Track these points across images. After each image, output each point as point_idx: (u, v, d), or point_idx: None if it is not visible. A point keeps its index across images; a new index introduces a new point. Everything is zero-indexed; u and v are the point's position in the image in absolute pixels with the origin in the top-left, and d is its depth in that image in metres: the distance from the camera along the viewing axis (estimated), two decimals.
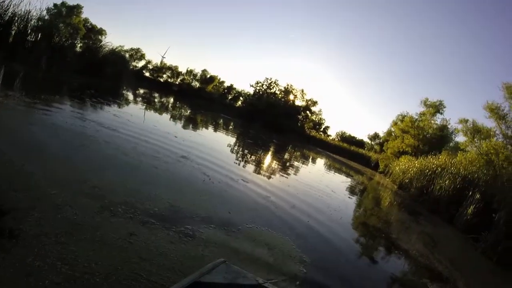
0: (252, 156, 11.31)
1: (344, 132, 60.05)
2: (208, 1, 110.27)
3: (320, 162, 21.74)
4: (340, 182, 13.08)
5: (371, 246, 5.49)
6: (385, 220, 8.10)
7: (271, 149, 16.83)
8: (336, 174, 16.75)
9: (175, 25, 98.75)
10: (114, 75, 19.74)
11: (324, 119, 54.53)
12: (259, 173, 8.20)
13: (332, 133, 59.73)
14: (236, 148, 12.04)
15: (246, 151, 12.16)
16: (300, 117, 44.01)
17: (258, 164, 9.98)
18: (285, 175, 9.34)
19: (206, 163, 6.49)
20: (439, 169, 13.86)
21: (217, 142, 11.48)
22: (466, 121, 17.36)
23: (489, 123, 14.92)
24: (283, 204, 5.72)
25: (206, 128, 15.57)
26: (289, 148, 22.76)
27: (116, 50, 21.75)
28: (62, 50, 15.01)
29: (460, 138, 20.07)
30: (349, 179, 15.96)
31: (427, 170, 14.93)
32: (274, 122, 35.66)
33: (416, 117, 27.52)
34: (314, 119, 49.04)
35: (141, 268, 2.25)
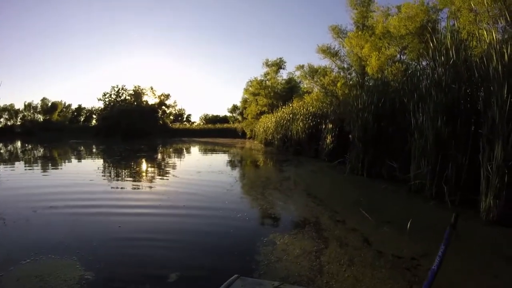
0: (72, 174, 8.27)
1: (207, 114, 59.93)
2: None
3: (183, 151, 19.79)
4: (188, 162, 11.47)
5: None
6: (253, 177, 7.10)
7: (112, 157, 13.74)
8: (201, 155, 15.18)
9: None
10: None
11: (184, 109, 54.85)
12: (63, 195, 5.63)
13: (196, 119, 59.47)
14: (54, 174, 8.70)
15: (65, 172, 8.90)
16: (158, 114, 41.37)
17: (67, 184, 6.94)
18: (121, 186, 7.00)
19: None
20: (291, 116, 13.98)
21: (34, 174, 7.93)
22: (302, 66, 18.36)
23: (325, 63, 15.88)
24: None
25: (35, 164, 10.99)
26: (142, 149, 19.50)
27: None
28: None
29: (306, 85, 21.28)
30: (215, 156, 14.64)
31: (282, 120, 15.02)
32: (133, 128, 32.52)
33: (262, 78, 28.63)
34: (173, 112, 47.18)
35: None
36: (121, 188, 5.86)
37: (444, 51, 4.79)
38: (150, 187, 6.02)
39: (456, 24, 7.34)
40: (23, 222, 3.52)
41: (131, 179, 7.10)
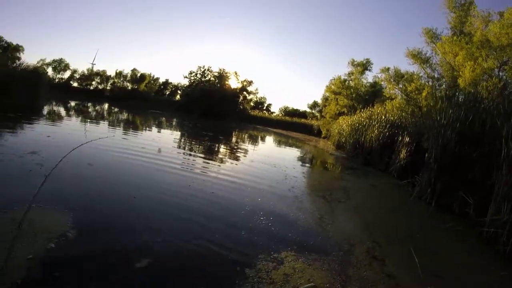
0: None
1: (287, 107, 60.34)
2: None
3: (256, 141, 20.16)
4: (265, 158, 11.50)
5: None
6: (306, 178, 6.88)
7: (177, 131, 14.72)
8: (280, 147, 15.28)
9: (102, 27, 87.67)
10: (28, 92, 15.25)
11: (265, 98, 56.78)
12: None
13: (276, 109, 60.54)
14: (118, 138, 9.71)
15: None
16: (239, 99, 42.65)
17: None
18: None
19: (53, 156, 4.99)
20: (368, 121, 12.94)
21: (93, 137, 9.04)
22: (388, 69, 16.70)
23: (413, 69, 14.18)
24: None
25: (109, 127, 12.73)
26: (212, 129, 20.45)
27: (32, 65, 16.63)
28: None
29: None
30: (291, 151, 14.56)
31: (357, 125, 14.04)
32: (212, 109, 34.22)
33: (346, 77, 27.16)
34: (253, 99, 48.43)
35: None
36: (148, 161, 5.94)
37: None
38: (173, 168, 5.79)
39: None
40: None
41: (170, 155, 7.15)
